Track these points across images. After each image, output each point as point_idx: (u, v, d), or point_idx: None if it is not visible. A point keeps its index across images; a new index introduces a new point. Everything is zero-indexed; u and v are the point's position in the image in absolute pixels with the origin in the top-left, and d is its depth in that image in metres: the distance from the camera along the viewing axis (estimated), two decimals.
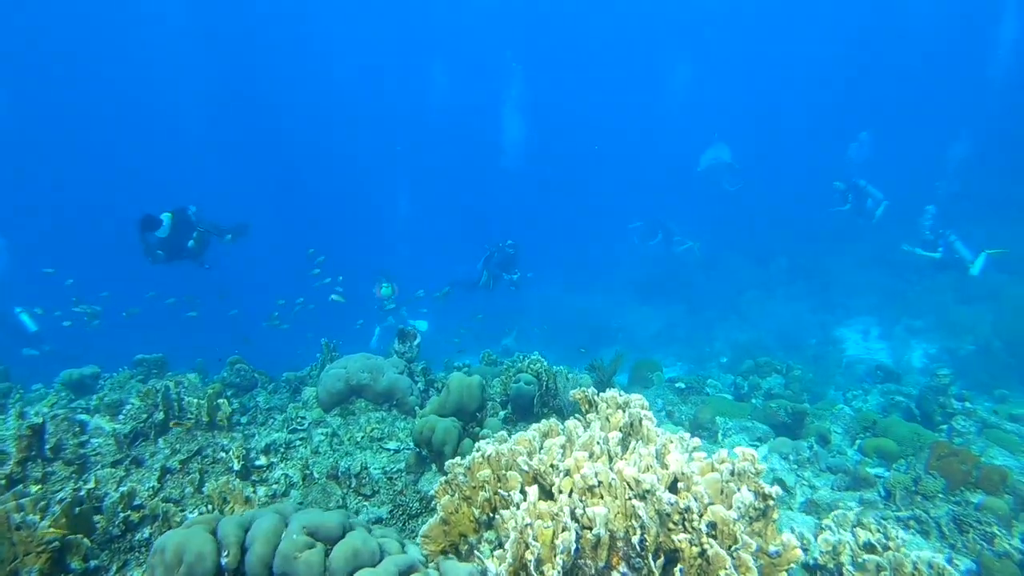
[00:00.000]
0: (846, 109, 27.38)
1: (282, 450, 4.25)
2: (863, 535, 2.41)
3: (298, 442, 4.52)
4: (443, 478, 2.35)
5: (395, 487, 3.61)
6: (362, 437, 4.66)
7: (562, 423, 2.38)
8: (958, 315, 11.29)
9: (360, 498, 3.52)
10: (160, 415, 4.07)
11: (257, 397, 5.81)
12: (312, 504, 3.37)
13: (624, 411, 2.28)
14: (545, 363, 4.82)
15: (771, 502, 1.92)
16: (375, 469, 4.16)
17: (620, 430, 2.25)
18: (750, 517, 1.91)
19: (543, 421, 2.40)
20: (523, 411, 4.76)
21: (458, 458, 2.31)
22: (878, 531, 2.46)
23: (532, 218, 30.47)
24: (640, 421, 2.19)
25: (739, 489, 1.89)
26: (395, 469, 3.94)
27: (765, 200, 22.57)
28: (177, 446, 3.97)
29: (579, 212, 30.35)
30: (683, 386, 6.48)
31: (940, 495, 3.54)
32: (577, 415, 2.51)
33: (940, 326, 11.50)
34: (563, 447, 2.24)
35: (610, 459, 2.08)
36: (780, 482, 4.18)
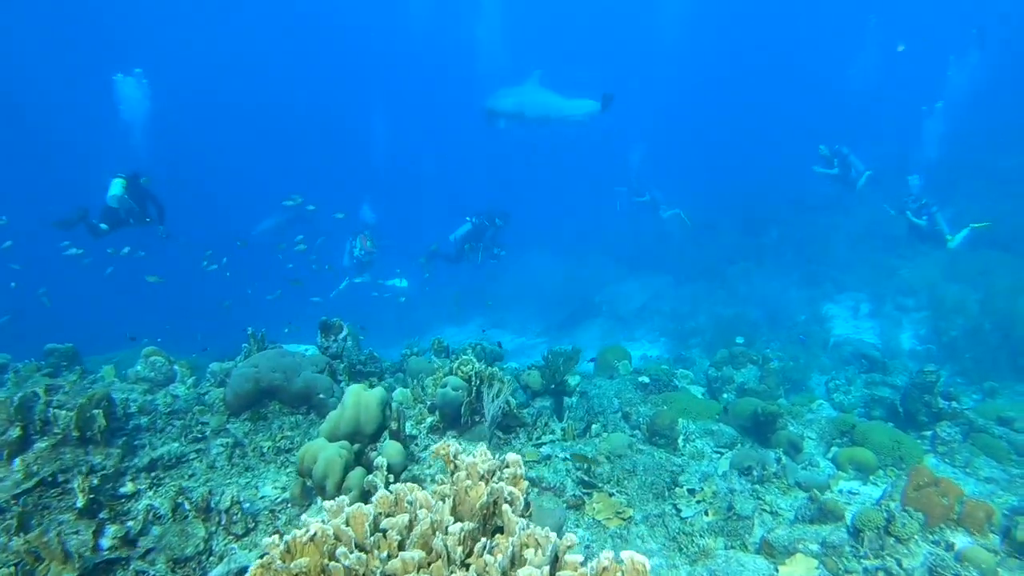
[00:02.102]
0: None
1: (166, 469, 3.70)
2: None
3: (193, 455, 3.97)
4: (258, 560, 1.79)
5: (276, 522, 3.07)
6: (268, 448, 4.11)
7: (430, 484, 1.81)
8: (949, 293, 10.77)
9: (230, 538, 2.98)
10: (16, 431, 3.49)
11: (172, 394, 5.23)
12: (166, 550, 2.82)
13: (487, 484, 1.70)
14: (477, 364, 4.24)
15: None
16: (272, 490, 3.62)
17: (479, 511, 1.68)
18: None
19: (395, 487, 1.82)
20: (451, 419, 4.21)
21: (276, 538, 1.74)
22: None
23: (516, 187, 29.67)
24: (500, 502, 1.61)
25: None
26: (288, 498, 3.38)
27: (757, 167, 21.77)
28: (35, 468, 3.41)
29: (564, 176, 29.45)
30: (647, 380, 5.92)
31: (916, 536, 3.01)
32: (443, 476, 1.93)
33: (931, 304, 10.99)
34: (406, 529, 1.67)
35: (449, 562, 1.52)
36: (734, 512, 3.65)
